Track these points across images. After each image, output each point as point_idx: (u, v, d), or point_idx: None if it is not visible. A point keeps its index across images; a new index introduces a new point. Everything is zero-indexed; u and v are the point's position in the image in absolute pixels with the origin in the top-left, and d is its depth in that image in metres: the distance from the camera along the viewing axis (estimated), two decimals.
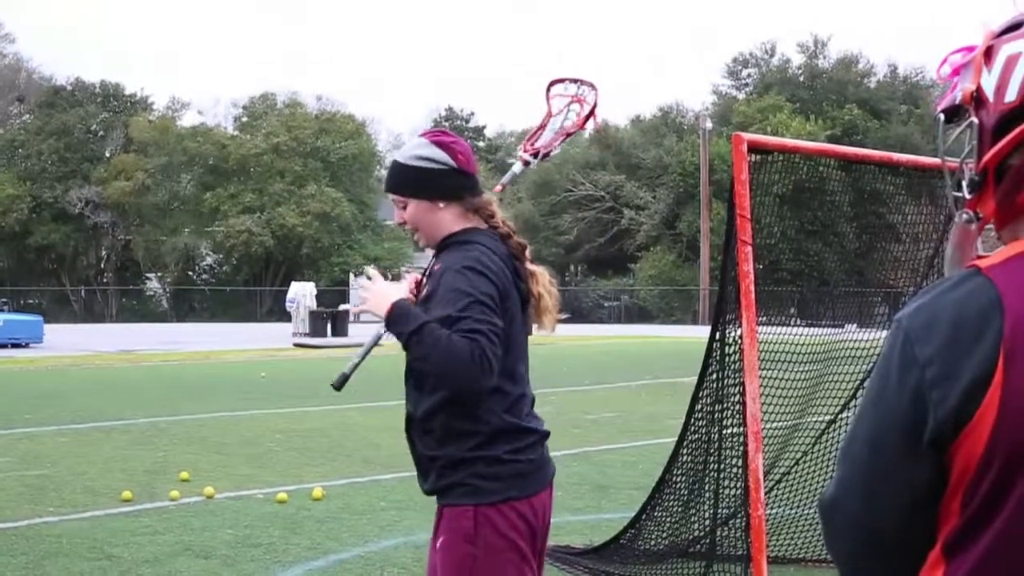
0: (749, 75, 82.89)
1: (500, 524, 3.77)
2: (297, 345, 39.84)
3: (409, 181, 3.99)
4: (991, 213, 1.94)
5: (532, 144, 4.94)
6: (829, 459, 8.59)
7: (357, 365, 4.27)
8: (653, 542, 8.02)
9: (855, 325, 8.65)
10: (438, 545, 3.85)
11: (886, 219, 8.93)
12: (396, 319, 3.75)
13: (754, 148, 6.82)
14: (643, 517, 8.08)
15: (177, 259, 71.45)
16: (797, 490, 8.57)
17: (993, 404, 1.75)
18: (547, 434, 4.00)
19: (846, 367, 8.36)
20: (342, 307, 50.36)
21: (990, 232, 2.01)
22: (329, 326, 45.85)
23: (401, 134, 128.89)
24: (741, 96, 79.86)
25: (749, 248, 6.59)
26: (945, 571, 1.85)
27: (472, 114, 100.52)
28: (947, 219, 8.34)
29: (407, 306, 3.78)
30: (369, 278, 4.00)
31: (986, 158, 1.90)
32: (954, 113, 2.01)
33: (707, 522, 7.56)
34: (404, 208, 4.02)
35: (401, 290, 3.90)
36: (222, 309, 68.67)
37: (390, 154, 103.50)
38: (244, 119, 75.79)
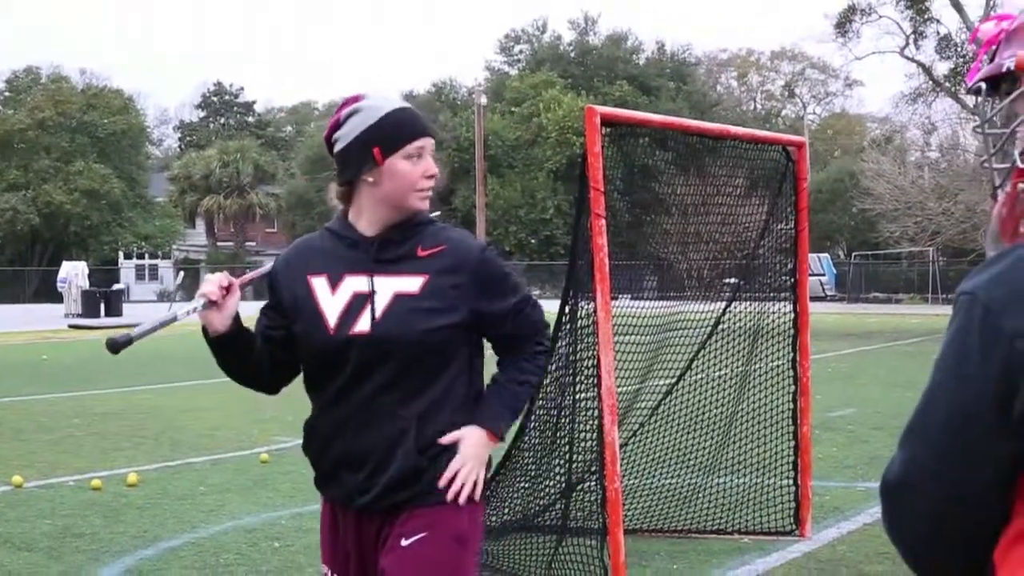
0: (521, 51, 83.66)
1: (482, 520, 3.66)
2: (72, 326, 38.79)
3: None
4: None
5: None
6: (665, 431, 8.71)
7: (145, 335, 3.59)
8: (495, 518, 7.96)
9: (628, 296, 8.72)
10: (412, 542, 3.46)
11: (655, 192, 9.01)
12: (501, 431, 3.60)
13: (606, 121, 6.82)
14: (487, 493, 8.01)
15: None
16: (633, 461, 8.65)
17: None
18: None
19: (682, 338, 8.47)
20: (115, 287, 49.29)
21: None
22: (103, 306, 44.88)
23: (167, 108, 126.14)
24: (514, 72, 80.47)
25: (603, 221, 6.57)
26: None
27: (241, 89, 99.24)
28: (773, 198, 8.51)
29: (493, 419, 3.56)
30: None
31: None
32: (997, 82, 1.98)
33: (557, 495, 7.55)
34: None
35: (481, 436, 3.54)
36: None
37: (158, 129, 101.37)
38: (7, 94, 73.22)
